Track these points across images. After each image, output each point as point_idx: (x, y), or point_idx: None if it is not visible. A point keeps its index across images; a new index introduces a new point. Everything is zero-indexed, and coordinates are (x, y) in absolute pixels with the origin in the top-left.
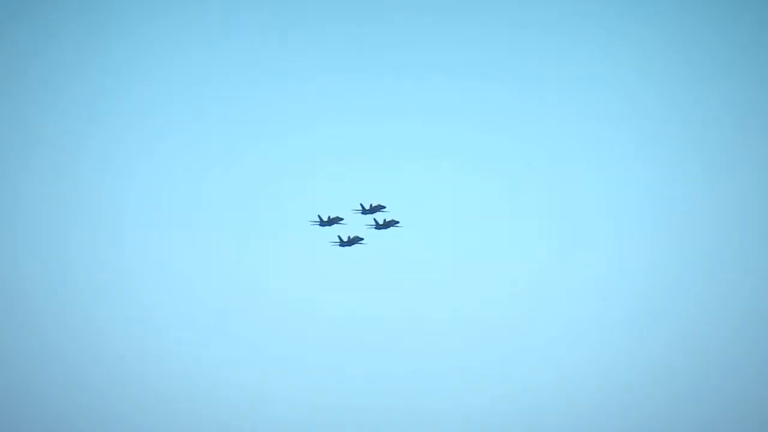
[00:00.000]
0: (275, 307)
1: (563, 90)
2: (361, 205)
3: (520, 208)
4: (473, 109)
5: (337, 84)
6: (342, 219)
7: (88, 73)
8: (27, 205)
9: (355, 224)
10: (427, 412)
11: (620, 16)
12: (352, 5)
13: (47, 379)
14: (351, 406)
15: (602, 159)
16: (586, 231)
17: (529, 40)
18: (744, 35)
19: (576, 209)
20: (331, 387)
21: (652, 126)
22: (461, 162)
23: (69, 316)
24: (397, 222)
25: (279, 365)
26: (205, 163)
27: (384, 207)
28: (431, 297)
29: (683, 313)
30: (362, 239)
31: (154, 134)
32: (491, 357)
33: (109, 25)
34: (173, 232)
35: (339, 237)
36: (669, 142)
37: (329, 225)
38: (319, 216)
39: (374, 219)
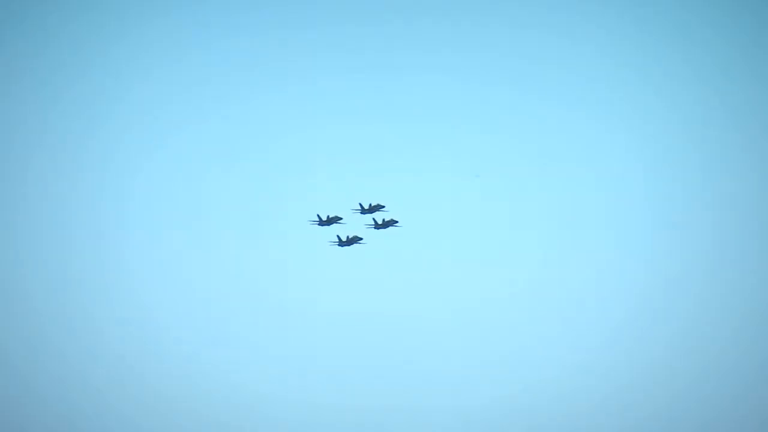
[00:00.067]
0: (274, 307)
1: (563, 90)
2: (360, 204)
3: (520, 208)
4: (473, 109)
5: (337, 84)
6: (341, 218)
7: (88, 73)
8: (27, 205)
9: (355, 224)
10: (427, 412)
11: (620, 16)
12: (352, 5)
13: (47, 379)
14: (350, 406)
15: (602, 159)
16: (586, 231)
17: (529, 40)
18: (744, 35)
19: (576, 209)
20: (330, 387)
21: (652, 126)
22: (461, 162)
23: (69, 316)
24: (397, 222)
25: (278, 365)
26: (205, 162)
27: (383, 207)
28: (430, 297)
29: (683, 313)
30: (361, 239)
31: (154, 134)
32: (491, 357)
33: (109, 25)
34: (173, 231)
35: (338, 236)
36: (669, 142)
37: (328, 224)
38: (318, 215)
39: (373, 219)
